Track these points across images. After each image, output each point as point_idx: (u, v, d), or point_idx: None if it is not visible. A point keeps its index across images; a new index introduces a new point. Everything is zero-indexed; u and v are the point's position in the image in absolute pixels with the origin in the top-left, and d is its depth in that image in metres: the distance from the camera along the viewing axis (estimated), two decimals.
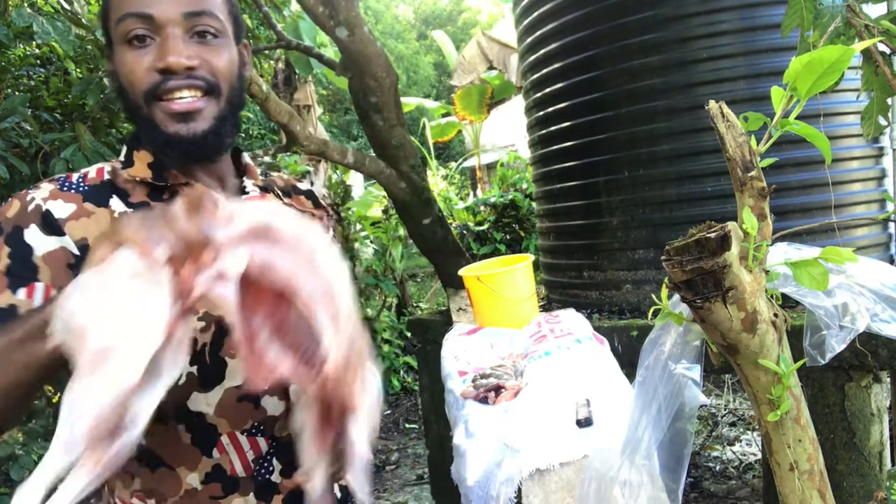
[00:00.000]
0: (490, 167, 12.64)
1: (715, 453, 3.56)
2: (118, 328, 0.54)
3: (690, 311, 0.75)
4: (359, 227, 5.73)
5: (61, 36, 2.09)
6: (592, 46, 2.61)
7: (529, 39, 2.96)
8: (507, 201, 5.68)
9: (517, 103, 10.34)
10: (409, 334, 5.43)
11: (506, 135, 13.61)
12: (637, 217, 2.55)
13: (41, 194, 0.86)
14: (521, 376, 1.84)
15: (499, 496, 1.42)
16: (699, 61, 2.39)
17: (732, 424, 3.90)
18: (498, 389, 1.77)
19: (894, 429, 2.18)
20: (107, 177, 0.92)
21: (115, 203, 0.89)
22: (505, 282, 2.28)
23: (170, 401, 0.66)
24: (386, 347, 5.46)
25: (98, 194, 0.89)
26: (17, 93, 2.39)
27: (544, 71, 2.87)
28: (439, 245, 3.19)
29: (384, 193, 4.35)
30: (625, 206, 2.58)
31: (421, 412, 3.66)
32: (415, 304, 6.50)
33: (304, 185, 1.15)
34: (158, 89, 0.86)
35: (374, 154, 3.10)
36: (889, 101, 1.15)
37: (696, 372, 0.90)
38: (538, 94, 2.95)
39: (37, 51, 2.77)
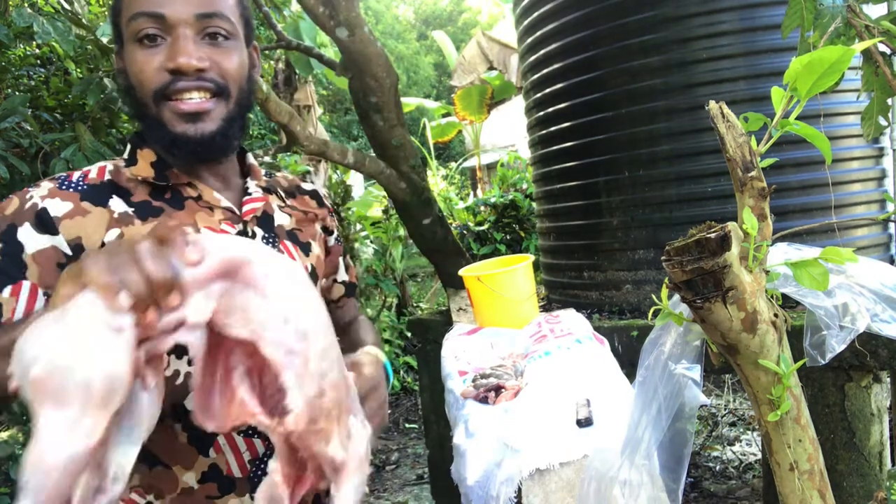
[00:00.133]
0: (490, 167, 12.64)
1: (715, 453, 3.56)
2: (76, 381, 0.50)
3: (690, 312, 0.75)
4: (359, 227, 5.73)
5: (61, 36, 2.10)
6: (592, 47, 2.61)
7: (530, 40, 2.96)
8: (507, 201, 5.67)
9: (517, 103, 10.34)
10: (409, 334, 5.43)
11: (506, 135, 13.61)
12: (637, 217, 2.55)
13: (40, 192, 0.86)
14: (521, 376, 1.84)
15: (499, 496, 1.42)
16: (699, 62, 2.39)
17: (732, 424, 3.90)
18: (498, 389, 1.77)
19: (894, 429, 2.18)
20: (108, 176, 0.92)
21: (116, 203, 0.89)
22: (505, 282, 2.28)
23: (167, 400, 0.66)
24: (386, 347, 5.46)
25: (97, 193, 0.89)
26: (17, 93, 2.39)
27: (544, 71, 2.87)
28: (439, 245, 3.19)
29: (384, 193, 4.35)
30: (625, 206, 2.58)
31: (421, 412, 3.66)
32: (415, 304, 6.49)
33: (308, 185, 1.15)
34: (168, 89, 0.86)
35: (374, 154, 3.10)
36: (889, 101, 1.15)
37: (696, 372, 0.90)
38: (538, 95, 2.95)
39: (37, 51, 2.77)
